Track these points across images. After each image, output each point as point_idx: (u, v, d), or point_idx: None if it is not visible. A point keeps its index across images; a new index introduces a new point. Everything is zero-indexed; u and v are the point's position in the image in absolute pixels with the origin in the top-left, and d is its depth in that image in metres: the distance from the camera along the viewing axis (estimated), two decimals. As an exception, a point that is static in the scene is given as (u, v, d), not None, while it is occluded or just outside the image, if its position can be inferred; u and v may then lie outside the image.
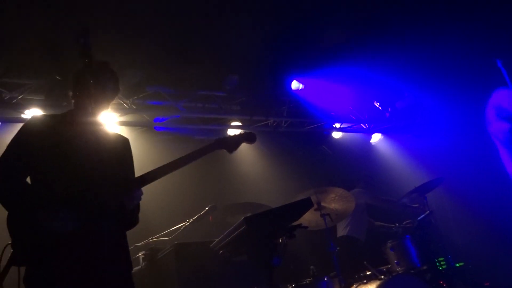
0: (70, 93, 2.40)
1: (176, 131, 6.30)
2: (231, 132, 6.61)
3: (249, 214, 2.92)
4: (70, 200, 2.04)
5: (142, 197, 2.33)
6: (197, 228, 4.64)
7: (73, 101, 2.39)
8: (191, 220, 4.44)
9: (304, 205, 2.63)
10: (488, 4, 4.25)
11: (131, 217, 2.34)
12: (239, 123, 6.56)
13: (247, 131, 2.79)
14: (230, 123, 6.55)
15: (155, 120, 5.97)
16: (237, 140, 2.65)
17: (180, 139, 6.38)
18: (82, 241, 2.03)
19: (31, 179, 2.22)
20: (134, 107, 5.70)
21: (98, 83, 2.27)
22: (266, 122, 6.74)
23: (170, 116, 6.01)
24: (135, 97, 5.62)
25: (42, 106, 5.13)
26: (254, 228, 2.40)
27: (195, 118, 6.28)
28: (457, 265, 5.28)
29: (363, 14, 4.69)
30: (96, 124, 2.40)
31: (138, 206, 2.36)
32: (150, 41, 4.89)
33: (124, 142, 2.54)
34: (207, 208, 4.52)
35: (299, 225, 2.64)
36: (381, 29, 4.99)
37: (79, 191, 2.08)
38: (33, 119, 2.37)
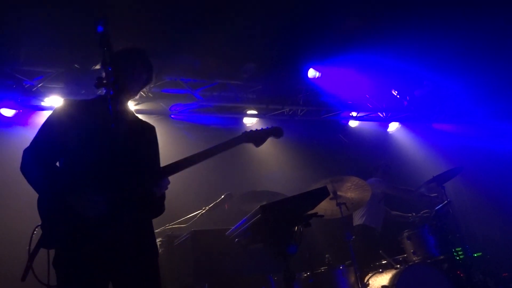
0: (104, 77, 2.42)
1: (192, 119, 6.34)
2: (248, 120, 6.62)
3: (264, 203, 2.93)
4: (99, 185, 2.06)
5: None
6: (213, 216, 4.68)
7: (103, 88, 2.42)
8: (207, 208, 4.48)
9: (320, 194, 2.63)
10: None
11: (158, 205, 2.34)
12: (255, 112, 6.56)
13: (274, 126, 2.78)
14: (246, 111, 6.56)
15: (171, 108, 6.01)
16: (264, 134, 2.66)
17: (196, 127, 6.42)
18: (109, 226, 2.04)
19: (61, 162, 2.23)
20: (151, 95, 5.75)
21: (129, 70, 2.29)
22: (282, 110, 6.71)
23: (187, 104, 6.05)
24: (152, 86, 5.66)
25: (62, 94, 5.22)
26: (270, 216, 2.42)
27: (212, 107, 6.30)
28: (475, 255, 5.23)
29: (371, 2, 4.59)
30: (125, 110, 2.40)
31: (164, 195, 2.37)
32: (167, 30, 4.90)
33: (151, 130, 2.53)
34: (223, 196, 4.55)
35: (315, 214, 2.64)
36: (398, 13, 4.88)
37: (108, 176, 2.08)
38: (65, 103, 2.37)
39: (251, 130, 2.63)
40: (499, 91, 5.96)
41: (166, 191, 2.35)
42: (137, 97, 5.64)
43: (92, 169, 2.11)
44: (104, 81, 1.80)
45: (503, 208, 6.39)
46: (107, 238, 2.03)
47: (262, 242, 2.68)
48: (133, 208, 2.14)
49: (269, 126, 2.72)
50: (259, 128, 2.69)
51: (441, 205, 5.05)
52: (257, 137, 2.60)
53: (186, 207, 4.76)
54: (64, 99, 2.45)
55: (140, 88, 2.47)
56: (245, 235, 2.68)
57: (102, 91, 2.32)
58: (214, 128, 6.42)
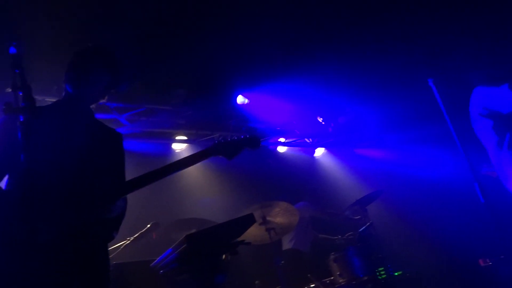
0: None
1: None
2: (177, 146, 6.51)
3: (193, 231, 2.85)
4: (25, 207, 1.70)
5: None
6: (139, 246, 4.48)
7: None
8: (131, 238, 4.28)
9: (246, 221, 2.62)
10: (422, 27, 4.56)
11: (112, 227, 2.07)
12: (184, 137, 6.48)
13: (251, 135, 2.47)
14: (176, 137, 6.46)
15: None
16: (238, 144, 2.36)
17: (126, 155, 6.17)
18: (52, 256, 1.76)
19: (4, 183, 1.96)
20: (74, 120, 5.45)
21: (85, 72, 2.08)
22: (212, 136, 6.70)
23: (112, 129, 5.81)
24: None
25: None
26: (196, 246, 2.36)
27: (139, 132, 6.12)
28: (396, 274, 5.47)
29: (301, 33, 4.85)
30: (85, 118, 2.15)
31: (123, 213, 2.10)
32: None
33: (116, 137, 2.24)
34: (149, 225, 4.38)
35: (242, 241, 2.62)
36: (319, 48, 5.19)
37: (56, 197, 1.82)
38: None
39: (224, 141, 2.34)
40: (407, 119, 6.54)
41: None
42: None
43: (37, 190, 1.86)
44: (14, 107, 1.65)
45: (419, 228, 6.83)
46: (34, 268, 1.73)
47: (189, 272, 2.60)
48: (83, 232, 1.88)
49: (244, 135, 2.41)
50: (231, 138, 2.40)
51: (364, 227, 5.28)
52: (230, 148, 2.32)
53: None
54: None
55: (102, 93, 2.23)
56: (171, 266, 2.58)
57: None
58: (142, 154, 6.22)
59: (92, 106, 2.36)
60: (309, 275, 4.89)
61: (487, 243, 5.04)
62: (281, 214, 4.73)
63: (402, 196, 7.09)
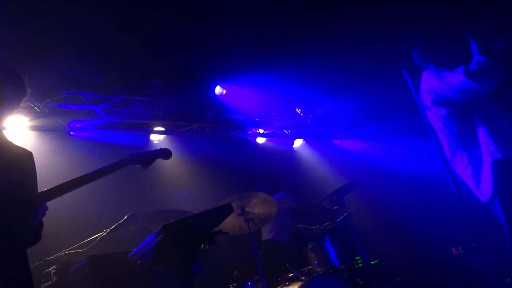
0: None
1: (95, 137, 6.00)
2: (155, 137, 6.45)
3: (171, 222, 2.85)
4: None
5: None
6: (116, 238, 4.44)
7: None
8: (109, 229, 4.23)
9: (224, 211, 2.62)
10: (396, 18, 4.64)
11: (33, 235, 2.12)
12: (162, 128, 6.42)
13: (163, 147, 2.83)
14: (153, 128, 6.39)
15: (70, 125, 5.62)
16: (151, 156, 2.69)
17: (100, 145, 6.08)
18: None
19: None
20: (47, 110, 5.32)
21: None
22: (190, 127, 6.66)
23: (88, 120, 5.71)
24: (48, 100, 5.25)
25: None
26: (173, 235, 2.35)
27: (116, 123, 6.03)
28: (372, 263, 5.59)
29: (280, 25, 4.86)
30: None
31: (41, 223, 2.17)
32: (65, 41, 4.61)
33: (27, 157, 2.29)
34: (126, 217, 4.34)
35: (220, 231, 2.62)
36: (297, 40, 5.22)
37: None
38: None
39: (139, 152, 2.66)
40: (383, 111, 6.65)
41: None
42: (32, 112, 5.23)
43: None
44: None
45: (395, 218, 6.98)
46: None
47: (166, 263, 2.59)
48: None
49: (157, 148, 2.76)
50: (145, 151, 2.72)
51: (341, 217, 5.36)
52: (144, 158, 2.64)
53: (85, 230, 4.44)
54: None
55: (12, 106, 2.24)
56: (148, 257, 2.56)
57: None
58: (119, 145, 6.14)
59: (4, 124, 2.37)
60: (287, 264, 4.94)
61: (459, 231, 5.19)
62: (259, 205, 4.75)
63: (378, 186, 7.22)
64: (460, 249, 5.32)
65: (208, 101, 6.35)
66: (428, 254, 6.16)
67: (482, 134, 3.07)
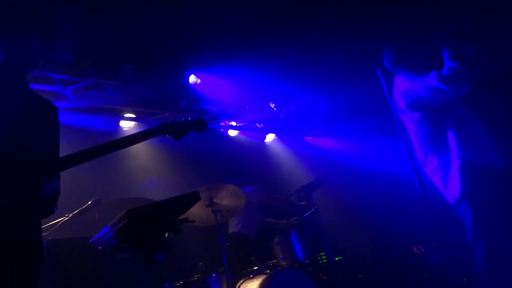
0: None
1: (62, 120, 5.80)
2: (125, 123, 6.31)
3: (136, 209, 2.79)
4: None
5: None
6: (81, 224, 4.31)
7: None
8: (71, 214, 4.10)
9: (191, 198, 2.56)
10: (373, 16, 4.69)
11: (47, 205, 1.97)
12: (133, 115, 6.28)
13: (198, 117, 2.49)
14: (124, 114, 6.25)
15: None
16: (185, 126, 2.40)
17: (67, 128, 5.89)
18: None
19: None
20: (12, 89, 5.11)
21: (10, 35, 1.87)
22: (162, 115, 6.55)
23: (55, 102, 5.51)
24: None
25: None
26: (137, 222, 2.29)
27: (84, 107, 5.86)
28: (336, 259, 5.67)
29: (256, 19, 4.85)
30: (16, 85, 1.95)
31: (58, 191, 1.99)
32: (37, 21, 4.41)
33: (51, 110, 2.10)
34: (90, 202, 4.22)
35: (186, 219, 2.58)
36: (273, 34, 5.22)
37: None
38: None
39: (171, 121, 2.36)
40: (356, 109, 6.75)
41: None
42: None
43: None
44: None
45: (360, 215, 7.11)
46: None
47: (129, 249, 2.53)
48: (16, 206, 1.77)
49: (191, 117, 2.44)
50: (178, 119, 2.41)
51: (308, 212, 5.40)
52: (177, 128, 2.35)
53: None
54: None
55: (35, 59, 2.03)
56: (110, 243, 2.49)
57: None
58: (87, 130, 5.97)
59: (28, 75, 2.19)
60: (252, 257, 4.95)
61: (422, 230, 5.33)
62: (228, 197, 4.73)
63: (346, 184, 7.33)
64: (421, 248, 5.47)
65: (181, 90, 6.27)
66: (390, 252, 6.32)
67: (451, 138, 3.15)
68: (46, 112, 2.12)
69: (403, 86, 3.38)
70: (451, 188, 3.14)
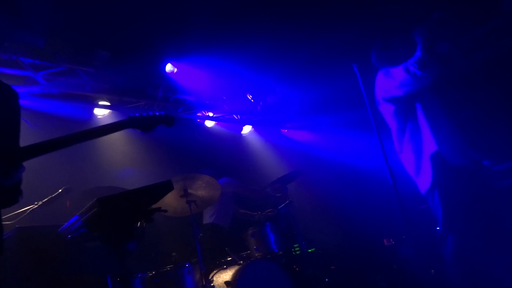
0: None
1: (33, 105, 5.65)
2: (100, 111, 6.18)
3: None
4: None
5: None
6: (51, 212, 4.22)
7: None
8: (40, 202, 4.01)
9: (163, 188, 2.55)
10: (347, 14, 4.74)
11: (8, 195, 1.89)
12: (107, 103, 6.15)
13: (167, 113, 2.61)
14: (98, 102, 6.11)
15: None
16: (153, 120, 2.44)
17: (38, 114, 5.73)
18: None
19: None
20: (-23, 73, 4.94)
21: None
22: (138, 104, 6.45)
23: (25, 87, 5.35)
24: (-19, 62, 4.87)
25: None
26: (108, 210, 2.26)
27: (57, 93, 5.70)
28: (309, 250, 5.75)
29: (234, 10, 4.82)
30: None
31: (20, 180, 1.92)
32: (8, 2, 4.26)
33: (13, 95, 2.00)
34: (60, 190, 4.13)
35: (158, 209, 2.56)
36: (251, 26, 5.21)
37: None
38: None
39: (139, 115, 2.41)
40: (332, 103, 6.83)
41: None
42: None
43: None
44: None
45: (333, 208, 7.22)
46: None
47: (99, 238, 2.50)
48: None
49: (159, 112, 2.51)
50: (146, 113, 2.47)
51: (283, 204, 5.45)
52: (145, 123, 2.40)
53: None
54: None
55: None
56: (80, 231, 2.46)
57: None
58: (59, 117, 5.81)
59: None
60: (226, 248, 4.96)
61: (392, 224, 5.46)
62: (203, 188, 4.71)
63: (321, 177, 7.42)
64: (391, 240, 5.60)
65: (158, 78, 6.17)
66: (362, 244, 6.44)
67: (424, 129, 3.26)
68: (2, 98, 2.02)
69: (380, 79, 3.48)
70: (423, 177, 3.24)
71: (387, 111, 3.49)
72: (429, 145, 3.22)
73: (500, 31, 5.05)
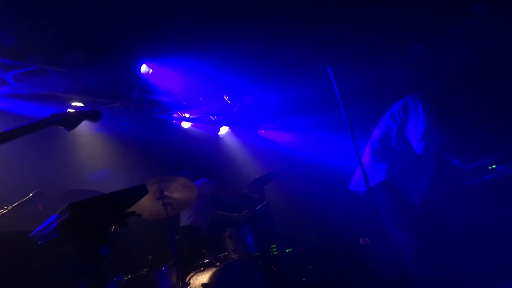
0: None
1: (2, 106, 5.48)
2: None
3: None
4: None
5: None
6: (21, 217, 4.10)
7: None
8: (10, 207, 3.89)
9: (138, 192, 2.51)
10: (321, 17, 4.80)
11: None
12: (80, 104, 6.02)
13: (91, 109, 2.53)
14: (71, 102, 5.98)
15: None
16: (77, 116, 2.39)
17: (7, 115, 5.56)
18: None
19: None
20: None
21: None
22: (113, 105, 6.34)
23: (-5, 88, 5.20)
24: None
25: None
26: (80, 215, 2.21)
27: (28, 94, 5.55)
28: (287, 251, 5.77)
29: (211, 11, 4.81)
30: None
31: None
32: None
33: None
34: (31, 194, 4.02)
35: (133, 213, 2.52)
36: (228, 27, 5.21)
37: None
38: None
39: (63, 112, 2.37)
40: (307, 104, 6.90)
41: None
42: None
43: None
44: None
45: (310, 209, 7.27)
46: None
47: (71, 243, 2.43)
48: None
49: (83, 108, 2.46)
50: (67, 111, 2.43)
51: (260, 205, 5.45)
52: (68, 119, 2.35)
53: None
54: None
55: None
56: (51, 237, 2.39)
57: None
58: (31, 118, 5.65)
59: None
60: (203, 250, 4.93)
61: (368, 223, 5.54)
62: (179, 190, 4.67)
63: (297, 177, 7.46)
64: (367, 239, 5.68)
65: (133, 79, 6.08)
66: (338, 244, 6.51)
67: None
68: None
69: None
70: (377, 168, 3.31)
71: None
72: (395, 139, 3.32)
73: (470, 33, 5.21)
